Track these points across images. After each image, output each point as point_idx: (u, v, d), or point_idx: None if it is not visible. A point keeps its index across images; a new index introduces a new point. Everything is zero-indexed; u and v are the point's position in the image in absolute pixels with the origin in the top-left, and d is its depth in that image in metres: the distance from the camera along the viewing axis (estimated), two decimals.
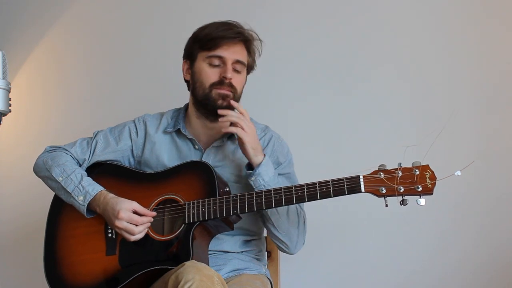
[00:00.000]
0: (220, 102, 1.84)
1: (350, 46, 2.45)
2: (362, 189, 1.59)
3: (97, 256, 1.81)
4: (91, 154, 1.94)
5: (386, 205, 1.57)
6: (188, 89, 1.98)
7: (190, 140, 1.93)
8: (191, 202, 1.74)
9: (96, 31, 2.86)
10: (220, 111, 1.81)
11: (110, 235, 1.82)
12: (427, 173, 1.53)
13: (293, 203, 1.67)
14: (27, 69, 2.92)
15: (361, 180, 1.59)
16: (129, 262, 1.77)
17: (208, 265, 1.73)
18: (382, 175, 1.57)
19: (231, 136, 1.92)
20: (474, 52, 2.31)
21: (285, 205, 1.68)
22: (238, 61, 1.87)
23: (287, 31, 2.53)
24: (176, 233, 1.74)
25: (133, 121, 2.01)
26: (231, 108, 1.84)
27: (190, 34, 1.96)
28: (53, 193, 1.93)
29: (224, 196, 1.73)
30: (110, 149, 1.96)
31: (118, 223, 1.74)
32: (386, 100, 2.38)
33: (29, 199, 2.78)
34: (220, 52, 1.84)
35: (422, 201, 1.53)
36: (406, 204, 1.55)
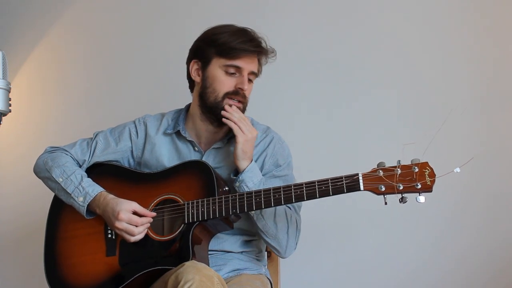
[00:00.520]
0: None
1: (350, 44, 2.46)
2: (361, 187, 1.59)
3: (97, 257, 1.83)
4: (91, 155, 1.96)
5: (386, 203, 1.58)
6: (190, 88, 1.99)
7: (190, 142, 1.95)
8: (190, 202, 1.76)
9: (96, 32, 2.88)
10: (226, 108, 1.85)
11: (110, 236, 1.83)
12: (426, 171, 1.54)
13: (292, 202, 1.68)
14: (27, 69, 2.94)
15: (360, 178, 1.60)
16: (129, 263, 1.79)
17: (208, 265, 1.75)
18: (381, 173, 1.57)
19: (231, 139, 1.93)
20: (472, 49, 2.32)
21: (284, 203, 1.69)
22: (253, 72, 1.89)
23: (288, 32, 2.54)
24: (176, 233, 1.75)
25: (133, 122, 2.03)
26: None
27: (190, 35, 1.96)
28: (52, 194, 1.95)
29: (223, 196, 1.74)
30: (110, 150, 1.98)
31: (118, 224, 1.76)
32: (385, 99, 2.40)
33: (29, 199, 2.80)
34: (238, 63, 1.85)
35: (422, 198, 1.54)
36: (406, 201, 1.56)
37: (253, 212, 1.80)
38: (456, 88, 2.33)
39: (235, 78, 1.87)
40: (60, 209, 1.93)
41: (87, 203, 1.82)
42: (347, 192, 1.62)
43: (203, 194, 1.77)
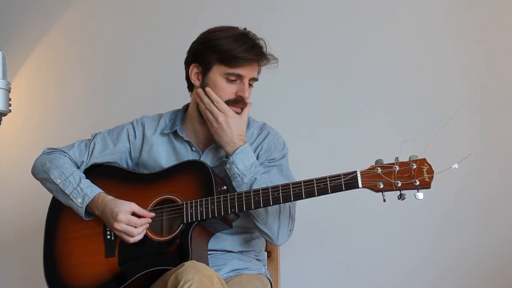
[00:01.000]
0: None
1: (347, 41, 2.47)
2: (360, 184, 1.61)
3: (96, 258, 1.85)
4: (89, 156, 1.98)
5: (384, 200, 1.59)
6: (189, 89, 2.00)
7: (187, 142, 1.96)
8: (188, 202, 1.77)
9: (96, 32, 2.89)
10: (208, 92, 1.87)
11: (109, 237, 1.85)
12: (424, 167, 1.55)
13: (291, 200, 1.69)
14: (27, 69, 2.96)
15: (358, 175, 1.61)
16: (129, 264, 1.80)
17: (208, 264, 1.77)
18: (379, 170, 1.59)
19: None
20: (471, 48, 2.33)
21: (283, 202, 1.70)
22: (253, 78, 1.90)
23: (284, 27, 2.55)
24: (175, 233, 1.77)
25: (131, 123, 2.04)
26: None
27: (189, 36, 1.96)
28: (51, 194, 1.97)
29: (221, 195, 1.75)
30: (108, 151, 1.99)
31: (117, 226, 1.77)
32: (383, 95, 2.40)
33: (29, 199, 2.81)
34: (240, 71, 1.86)
35: (420, 195, 1.55)
36: (404, 198, 1.57)
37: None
38: (455, 86, 2.34)
39: (236, 85, 1.87)
40: (58, 211, 1.95)
41: (86, 205, 1.83)
42: (345, 189, 1.63)
43: (202, 193, 1.78)
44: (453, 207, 2.29)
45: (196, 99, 1.90)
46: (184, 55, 1.97)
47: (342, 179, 1.63)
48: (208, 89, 1.87)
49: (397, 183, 1.57)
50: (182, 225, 1.77)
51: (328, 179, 1.65)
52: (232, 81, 1.87)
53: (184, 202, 1.78)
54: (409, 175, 1.56)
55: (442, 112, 2.25)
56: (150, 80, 2.75)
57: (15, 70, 2.95)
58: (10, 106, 1.57)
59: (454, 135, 2.24)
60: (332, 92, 2.47)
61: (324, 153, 2.41)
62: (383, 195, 1.60)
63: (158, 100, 2.65)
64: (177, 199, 1.81)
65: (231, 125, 1.84)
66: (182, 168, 1.86)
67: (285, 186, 1.70)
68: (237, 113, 1.88)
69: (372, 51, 2.43)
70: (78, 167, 1.96)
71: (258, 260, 1.99)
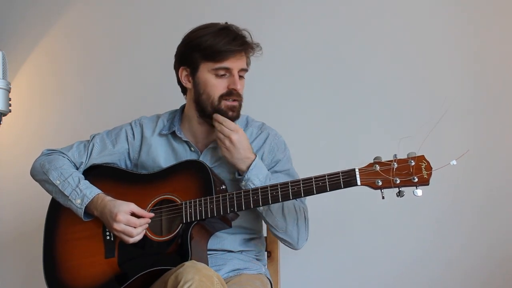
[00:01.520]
0: (230, 114, 1.90)
1: (344, 39, 2.49)
2: (358, 182, 1.63)
3: (96, 259, 1.86)
4: (88, 157, 2.00)
5: (383, 197, 1.61)
6: (183, 93, 2.02)
7: (186, 142, 1.98)
8: (188, 201, 1.79)
9: (95, 34, 2.91)
10: (216, 117, 1.88)
11: (108, 237, 1.87)
12: (423, 164, 1.57)
13: (289, 199, 1.71)
14: (27, 69, 2.98)
15: (357, 173, 1.63)
16: (129, 264, 1.82)
17: (207, 264, 1.79)
18: (377, 167, 1.61)
19: None
20: (469, 44, 2.35)
21: (281, 201, 1.73)
22: (242, 69, 1.92)
23: (283, 26, 2.58)
24: (174, 233, 1.78)
25: (129, 124, 2.07)
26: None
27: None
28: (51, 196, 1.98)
29: (220, 195, 1.77)
30: (107, 152, 2.01)
31: (117, 226, 1.79)
32: (379, 93, 2.43)
33: (28, 199, 2.82)
34: (227, 64, 1.88)
35: (419, 192, 1.57)
36: (403, 195, 1.59)
37: (261, 208, 1.83)
38: (452, 82, 2.36)
39: (226, 79, 1.89)
40: (57, 212, 1.96)
41: (85, 205, 1.85)
42: (344, 187, 1.65)
43: (201, 193, 1.80)
44: (452, 204, 2.31)
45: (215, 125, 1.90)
46: None
47: (341, 177, 1.65)
48: (215, 115, 1.88)
49: (396, 180, 1.58)
50: (181, 224, 1.78)
51: (326, 177, 1.66)
52: (222, 75, 1.89)
53: (183, 202, 1.80)
54: (408, 172, 1.58)
55: (440, 109, 2.19)
56: (149, 81, 2.77)
57: (15, 70, 2.97)
58: (10, 106, 1.59)
59: (452, 132, 2.27)
60: (329, 90, 2.49)
61: (322, 151, 2.44)
62: (381, 192, 1.61)
63: (157, 101, 2.67)
64: (176, 199, 1.83)
65: (243, 140, 1.87)
66: (180, 168, 1.88)
67: (284, 185, 1.72)
68: (233, 106, 1.90)
69: (370, 49, 2.46)
70: (77, 168, 1.98)
71: (258, 260, 2.01)
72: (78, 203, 1.86)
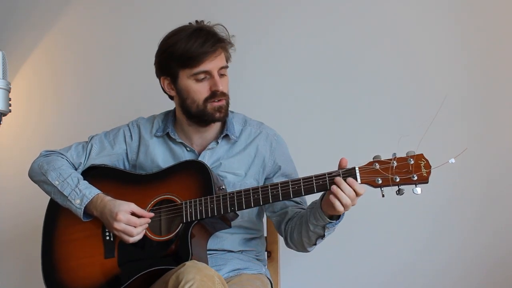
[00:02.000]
0: (217, 115, 1.92)
1: (341, 39, 2.52)
2: (358, 180, 1.66)
3: (95, 259, 1.88)
4: (86, 158, 2.02)
5: (383, 195, 1.64)
6: (170, 98, 2.04)
7: (181, 143, 2.01)
8: (188, 201, 1.81)
9: (95, 34, 2.93)
10: (334, 190, 1.69)
11: (108, 237, 1.88)
12: (422, 162, 1.60)
13: (290, 197, 1.74)
14: (27, 69, 3.00)
15: (357, 171, 1.66)
16: (128, 264, 1.83)
17: (208, 264, 1.80)
18: (377, 165, 1.64)
19: (225, 136, 2.00)
20: (467, 42, 2.38)
21: (282, 199, 1.75)
22: (222, 67, 1.93)
23: (281, 25, 2.59)
24: (174, 232, 1.80)
25: (127, 125, 2.10)
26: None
27: None
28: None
29: (221, 194, 1.80)
30: (105, 153, 2.04)
31: (117, 225, 1.80)
32: (378, 92, 2.45)
33: (27, 199, 2.84)
34: (204, 67, 1.88)
35: (418, 190, 1.60)
36: (403, 193, 1.62)
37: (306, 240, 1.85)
38: (451, 80, 2.38)
39: (207, 82, 1.91)
40: (56, 213, 1.98)
41: (84, 206, 1.86)
42: None
43: (201, 193, 1.82)
44: (450, 202, 2.34)
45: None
46: None
47: (341, 175, 1.68)
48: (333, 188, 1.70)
49: (396, 178, 1.61)
50: (181, 224, 1.80)
51: (327, 175, 1.69)
52: (202, 79, 1.90)
53: (184, 202, 1.82)
54: (407, 170, 1.61)
55: (438, 107, 2.23)
56: (147, 82, 2.66)
57: (15, 70, 2.99)
58: (10, 106, 1.62)
59: (450, 130, 2.30)
60: (329, 89, 2.51)
61: (322, 150, 2.46)
62: (381, 190, 1.65)
63: (155, 101, 2.57)
64: (176, 199, 1.84)
65: None
66: (180, 169, 1.90)
67: (284, 184, 1.74)
68: (220, 106, 1.91)
69: (369, 48, 2.48)
70: (76, 169, 2.00)
71: (258, 260, 2.03)
72: (77, 203, 1.87)
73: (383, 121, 2.43)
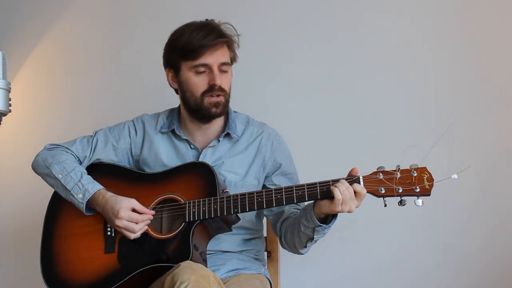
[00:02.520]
0: (214, 110, 1.96)
1: (350, 46, 2.54)
2: None
3: (95, 254, 1.91)
4: (92, 152, 2.05)
5: (385, 205, 1.69)
6: (176, 92, 2.08)
7: (186, 140, 2.05)
8: (191, 201, 1.84)
9: (96, 31, 2.94)
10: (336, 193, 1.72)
11: (109, 233, 1.92)
12: (425, 175, 1.65)
13: (293, 202, 1.78)
14: (27, 69, 3.01)
15: (361, 180, 1.71)
16: (128, 260, 1.86)
17: (207, 264, 1.84)
18: (381, 175, 1.69)
19: (227, 135, 2.04)
20: (475, 54, 2.41)
21: (285, 204, 1.79)
22: (223, 63, 1.96)
23: (288, 30, 2.61)
24: (176, 231, 1.83)
25: (131, 121, 2.13)
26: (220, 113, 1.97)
27: None
28: (51, 192, 2.03)
29: (224, 196, 1.83)
30: (110, 147, 2.07)
31: (118, 222, 1.84)
32: (386, 102, 2.48)
33: (28, 199, 2.87)
34: (203, 60, 1.92)
35: (420, 201, 1.65)
36: (404, 204, 1.67)
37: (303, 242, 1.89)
38: (459, 92, 2.41)
39: (207, 75, 1.94)
40: (58, 207, 2.01)
41: (86, 200, 1.89)
42: None
43: (204, 194, 1.85)
44: (460, 214, 2.39)
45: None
46: None
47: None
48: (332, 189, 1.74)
49: (398, 189, 1.67)
50: (184, 223, 1.84)
51: (331, 182, 1.73)
52: (202, 72, 1.94)
53: (187, 202, 1.85)
54: (410, 182, 1.66)
55: (446, 120, 2.25)
56: (149, 81, 2.80)
57: (15, 70, 3.00)
58: (10, 106, 1.65)
59: (456, 144, 2.33)
60: (336, 98, 2.54)
61: (327, 157, 2.49)
62: (384, 200, 1.70)
63: (157, 100, 2.67)
64: (179, 198, 1.88)
65: None
66: (185, 169, 1.94)
67: (288, 189, 1.78)
68: (217, 102, 1.94)
69: (378, 56, 2.51)
70: (81, 163, 2.03)
71: (257, 259, 2.07)
72: (79, 198, 1.90)
73: (389, 132, 2.47)
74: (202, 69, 1.94)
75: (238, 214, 1.90)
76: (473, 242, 2.38)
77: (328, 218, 1.82)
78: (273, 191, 1.80)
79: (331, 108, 2.55)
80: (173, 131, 2.06)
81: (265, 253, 2.19)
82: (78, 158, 2.05)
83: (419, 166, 1.67)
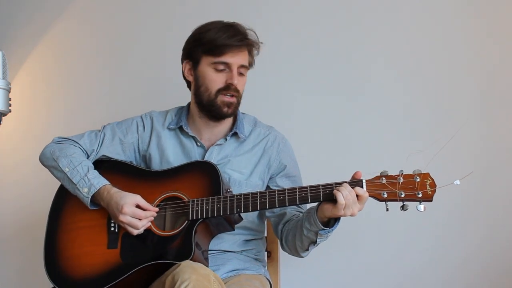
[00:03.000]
0: (225, 110, 2.00)
1: (356, 52, 2.56)
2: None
3: (98, 249, 1.94)
4: (99, 146, 2.09)
5: (387, 209, 1.72)
6: (188, 87, 2.12)
7: (193, 137, 2.08)
8: (195, 199, 1.88)
9: (97, 29, 2.97)
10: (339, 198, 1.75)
11: (112, 228, 1.95)
12: (427, 181, 1.68)
13: (296, 204, 1.81)
14: (27, 69, 3.04)
15: (364, 184, 1.74)
16: (131, 256, 1.89)
17: (208, 263, 1.88)
18: (384, 180, 1.72)
19: (234, 134, 2.07)
20: (478, 59, 2.43)
21: (288, 205, 1.82)
22: (242, 66, 2.01)
23: (295, 32, 2.64)
24: (179, 228, 1.86)
25: (140, 116, 2.17)
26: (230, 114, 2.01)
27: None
28: (55, 188, 2.07)
29: (228, 195, 1.86)
30: (118, 142, 2.11)
31: (123, 218, 1.87)
32: (390, 107, 2.51)
33: (29, 199, 2.89)
34: (225, 58, 1.97)
35: (422, 207, 1.68)
36: (406, 209, 1.70)
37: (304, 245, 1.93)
38: (463, 97, 2.43)
39: (225, 74, 1.99)
40: (63, 202, 2.04)
41: (91, 195, 1.92)
42: None
43: (208, 193, 1.88)
44: (455, 216, 2.41)
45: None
46: None
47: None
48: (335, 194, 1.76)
49: (401, 194, 1.70)
50: (187, 221, 1.87)
51: (334, 185, 1.76)
52: (221, 70, 1.99)
53: (191, 200, 1.88)
54: (413, 187, 1.69)
55: (450, 125, 2.35)
56: (154, 77, 2.83)
57: (15, 70, 3.02)
58: (10, 106, 1.68)
59: (459, 150, 2.33)
60: (340, 101, 2.57)
61: (331, 161, 2.51)
62: (386, 204, 1.73)
63: (163, 98, 2.72)
64: (183, 196, 1.91)
65: None
66: (190, 168, 1.97)
67: (291, 190, 1.81)
68: (230, 102, 1.99)
69: (384, 62, 2.53)
70: (88, 156, 2.07)
71: (257, 260, 2.10)
72: (85, 192, 1.94)
73: (393, 136, 2.49)
74: (222, 67, 1.99)
75: (241, 214, 1.93)
76: (471, 243, 2.40)
77: (330, 222, 1.85)
78: (276, 192, 1.83)
79: (336, 111, 2.58)
80: (180, 128, 2.10)
81: (265, 253, 2.22)
82: (86, 151, 2.08)
83: (422, 172, 1.70)
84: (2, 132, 2.66)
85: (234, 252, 2.04)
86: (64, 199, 2.05)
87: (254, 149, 2.09)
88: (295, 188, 1.82)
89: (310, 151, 2.51)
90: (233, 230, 1.98)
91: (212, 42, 1.97)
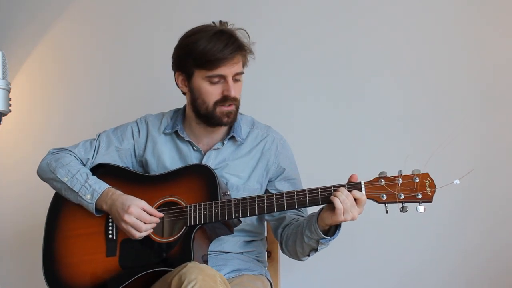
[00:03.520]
0: (225, 120, 1.98)
1: (356, 52, 2.56)
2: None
3: (97, 257, 1.94)
4: (95, 154, 2.08)
5: (387, 212, 1.72)
6: (183, 93, 2.09)
7: (189, 142, 2.08)
8: (192, 205, 1.87)
9: (97, 30, 2.97)
10: (336, 203, 1.74)
11: (110, 236, 1.94)
12: (427, 181, 1.67)
13: (294, 208, 1.81)
14: (27, 69, 3.04)
15: (363, 186, 1.74)
16: (130, 264, 1.89)
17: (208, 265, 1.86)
18: (383, 182, 1.71)
19: (231, 138, 2.07)
20: (477, 58, 2.43)
21: (286, 209, 1.82)
22: (237, 73, 1.98)
23: (295, 32, 2.63)
24: (178, 235, 1.86)
25: (135, 122, 2.16)
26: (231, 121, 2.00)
27: None
28: (53, 192, 2.06)
29: (226, 200, 1.86)
30: (113, 149, 2.10)
31: (127, 218, 1.85)
32: (390, 107, 2.50)
33: (29, 199, 2.91)
34: (220, 71, 1.93)
35: (421, 208, 1.68)
36: (406, 211, 1.69)
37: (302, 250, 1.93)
38: (462, 97, 2.43)
39: (221, 85, 1.96)
40: (59, 210, 2.03)
41: (95, 200, 1.92)
42: None
43: (206, 198, 1.88)
44: (455, 215, 2.42)
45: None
46: None
47: (347, 188, 1.75)
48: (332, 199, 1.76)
49: (400, 196, 1.69)
50: (185, 227, 1.87)
51: (332, 188, 1.76)
52: (216, 82, 1.96)
53: (188, 205, 1.88)
54: (412, 188, 1.68)
55: (450, 125, 2.35)
56: (154, 77, 2.83)
57: (15, 70, 3.03)
58: (10, 106, 1.68)
59: (458, 149, 2.34)
60: (339, 103, 2.57)
61: (329, 163, 2.51)
62: (385, 206, 1.72)
63: (161, 99, 2.72)
64: (180, 201, 1.91)
65: None
66: (187, 172, 1.96)
67: (290, 194, 1.81)
68: (229, 111, 1.97)
69: (382, 64, 2.53)
70: (84, 165, 2.06)
71: (258, 260, 2.11)
72: (88, 199, 1.93)
73: (391, 138, 2.49)
74: (216, 79, 1.95)
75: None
76: (471, 242, 2.41)
77: (331, 229, 1.85)
78: (274, 196, 1.82)
79: (335, 111, 2.57)
80: (176, 133, 2.09)
81: (266, 253, 2.23)
82: (81, 160, 2.07)
83: (421, 172, 1.69)
84: (2, 132, 2.66)
85: (235, 253, 2.05)
86: (60, 208, 2.04)
87: (251, 152, 2.08)
88: (293, 192, 1.81)
89: (310, 152, 2.51)
90: (232, 233, 1.98)
91: (204, 55, 1.92)
